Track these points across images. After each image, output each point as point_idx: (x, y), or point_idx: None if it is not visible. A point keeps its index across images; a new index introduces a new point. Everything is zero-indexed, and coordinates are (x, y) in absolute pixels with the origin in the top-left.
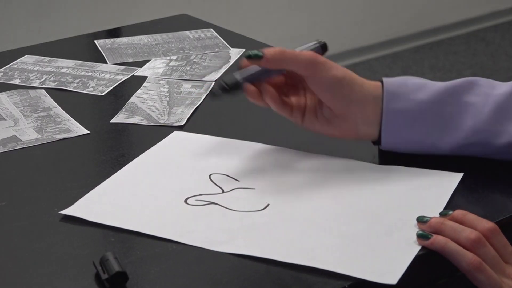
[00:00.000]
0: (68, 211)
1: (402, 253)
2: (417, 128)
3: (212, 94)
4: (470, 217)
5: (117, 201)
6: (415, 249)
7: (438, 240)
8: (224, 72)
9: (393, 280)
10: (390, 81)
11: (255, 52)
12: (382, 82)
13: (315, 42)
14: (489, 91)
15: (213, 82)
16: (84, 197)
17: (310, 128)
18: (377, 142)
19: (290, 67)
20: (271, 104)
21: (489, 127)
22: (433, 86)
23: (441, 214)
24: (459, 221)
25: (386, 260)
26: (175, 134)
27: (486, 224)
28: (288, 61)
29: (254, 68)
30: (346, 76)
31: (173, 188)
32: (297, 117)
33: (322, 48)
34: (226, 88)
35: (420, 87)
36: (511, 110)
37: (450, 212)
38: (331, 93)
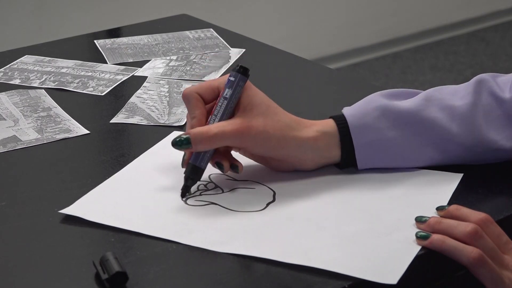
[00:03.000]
0: (67, 211)
1: (402, 253)
2: (391, 156)
3: (183, 191)
4: (464, 211)
5: (117, 201)
6: (415, 249)
7: (436, 239)
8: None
9: (394, 280)
10: (351, 113)
11: (181, 139)
12: (335, 117)
13: (234, 73)
14: (448, 103)
15: None
16: (84, 196)
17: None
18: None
19: (219, 146)
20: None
21: (460, 140)
22: (393, 111)
23: (437, 209)
24: (454, 216)
25: (386, 260)
26: (174, 134)
27: (478, 215)
28: (217, 144)
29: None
30: (279, 144)
31: (172, 188)
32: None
33: (244, 75)
34: (194, 180)
35: (381, 113)
36: (476, 121)
37: (446, 207)
38: (265, 158)
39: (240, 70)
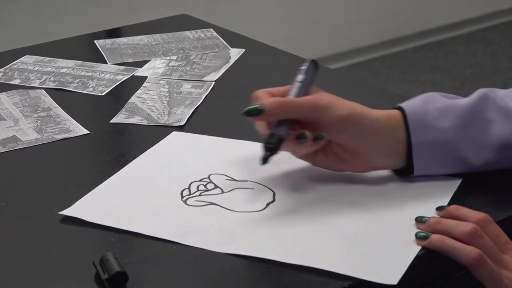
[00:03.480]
0: (67, 212)
1: (402, 253)
2: (447, 156)
3: (263, 159)
4: (463, 211)
5: (116, 202)
6: (415, 249)
7: (435, 239)
8: (266, 138)
9: (394, 281)
10: (412, 111)
11: (253, 107)
12: (400, 109)
13: (306, 63)
14: (504, 103)
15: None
16: (83, 197)
17: (322, 166)
18: (400, 172)
19: (292, 116)
20: (301, 151)
21: None
22: (454, 110)
23: (437, 209)
24: (454, 216)
25: (386, 261)
26: (174, 134)
27: (477, 215)
28: (289, 112)
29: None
30: (352, 113)
31: (172, 189)
32: (309, 158)
33: (315, 67)
34: (273, 148)
35: (442, 113)
36: None
37: (446, 207)
38: (339, 133)
39: (312, 62)
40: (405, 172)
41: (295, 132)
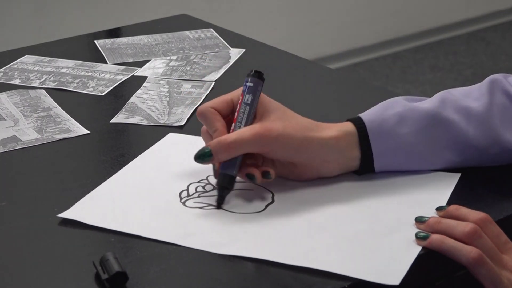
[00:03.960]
0: (66, 214)
1: (404, 253)
2: (408, 159)
3: (218, 202)
4: (463, 210)
5: (115, 204)
6: (416, 249)
7: (435, 239)
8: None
9: (396, 281)
10: (370, 120)
11: (202, 152)
12: (353, 121)
13: (252, 78)
14: (464, 104)
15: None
16: (81, 200)
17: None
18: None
19: (242, 153)
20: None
21: (476, 143)
22: (413, 114)
23: (437, 209)
24: (454, 216)
25: (387, 261)
26: (171, 136)
27: (477, 215)
28: (239, 151)
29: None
30: (302, 143)
31: (170, 191)
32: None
33: (260, 79)
34: (227, 188)
35: (401, 119)
36: (493, 122)
37: (446, 207)
38: (290, 159)
39: (256, 75)
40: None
41: (244, 171)
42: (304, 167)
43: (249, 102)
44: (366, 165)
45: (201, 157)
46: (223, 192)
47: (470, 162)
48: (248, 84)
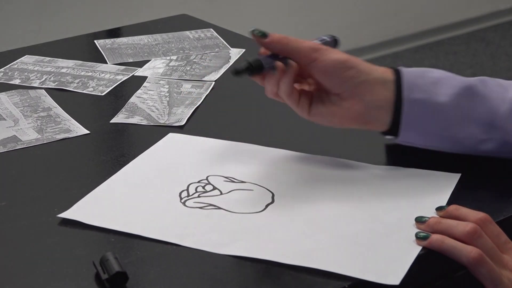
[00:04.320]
0: (66, 214)
1: (403, 253)
2: (436, 120)
3: (234, 70)
4: (463, 210)
5: (115, 204)
6: (416, 249)
7: (435, 239)
8: (240, 60)
9: (396, 281)
10: (408, 71)
11: (262, 30)
12: (394, 69)
13: (327, 36)
14: (502, 89)
15: (238, 63)
16: (81, 200)
17: (317, 117)
18: (388, 132)
19: (292, 53)
20: (285, 87)
21: (506, 125)
22: (450, 81)
23: (437, 209)
24: (454, 216)
25: (387, 261)
26: (171, 136)
27: (477, 215)
28: (291, 47)
29: (269, 57)
30: (350, 58)
31: (170, 191)
32: (304, 107)
33: (335, 43)
34: (250, 67)
35: (437, 80)
36: None
37: (446, 207)
38: (337, 77)
39: (332, 37)
40: (390, 133)
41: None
42: (351, 99)
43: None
44: (396, 119)
45: (258, 31)
46: (246, 68)
47: (492, 145)
48: (322, 37)
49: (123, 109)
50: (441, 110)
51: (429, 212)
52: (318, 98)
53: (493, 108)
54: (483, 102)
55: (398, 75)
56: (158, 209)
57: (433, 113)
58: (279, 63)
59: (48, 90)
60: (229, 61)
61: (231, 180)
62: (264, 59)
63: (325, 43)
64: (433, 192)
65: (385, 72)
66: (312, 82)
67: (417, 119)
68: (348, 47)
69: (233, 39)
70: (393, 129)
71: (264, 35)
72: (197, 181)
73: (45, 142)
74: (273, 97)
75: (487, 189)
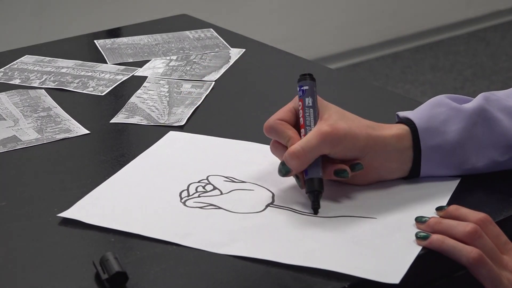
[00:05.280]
0: (66, 214)
1: (404, 253)
2: (453, 158)
3: (315, 209)
4: (463, 211)
5: (115, 204)
6: (416, 249)
7: (435, 239)
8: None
9: (396, 280)
10: (419, 117)
11: (284, 171)
12: (407, 120)
13: (306, 81)
14: (508, 104)
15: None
16: (82, 199)
17: (331, 179)
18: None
19: (313, 158)
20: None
21: None
22: (460, 113)
23: (437, 209)
24: (454, 216)
25: (387, 260)
26: (171, 134)
27: (477, 215)
28: (311, 158)
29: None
30: (367, 143)
31: (171, 191)
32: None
33: (313, 81)
34: (319, 192)
35: (448, 117)
36: None
37: (446, 208)
38: (355, 159)
39: (308, 77)
40: (409, 177)
41: (332, 168)
42: (366, 168)
43: (311, 104)
44: (416, 166)
45: (281, 170)
46: (316, 196)
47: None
48: (304, 88)
49: (123, 109)
50: (458, 148)
51: (429, 212)
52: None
53: (505, 128)
54: (494, 126)
55: (412, 129)
56: (158, 209)
57: (450, 154)
58: (347, 169)
59: (48, 90)
60: (229, 61)
61: (231, 180)
62: (315, 174)
63: (311, 92)
64: (433, 192)
65: (399, 141)
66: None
67: (436, 164)
68: (348, 47)
69: (233, 39)
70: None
71: (287, 169)
72: (197, 181)
73: (45, 142)
74: None
75: (487, 190)
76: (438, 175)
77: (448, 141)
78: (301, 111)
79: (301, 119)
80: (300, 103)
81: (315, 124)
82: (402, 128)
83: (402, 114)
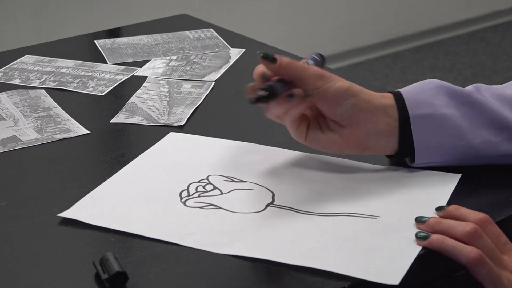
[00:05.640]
0: (66, 214)
1: (403, 253)
2: (448, 131)
3: (254, 99)
4: (463, 211)
5: (116, 204)
6: (416, 249)
7: (435, 239)
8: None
9: (396, 281)
10: (407, 90)
11: (271, 55)
12: (393, 93)
13: (316, 55)
14: (499, 91)
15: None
16: (82, 199)
17: (314, 143)
18: (396, 156)
19: (298, 78)
20: (294, 113)
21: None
22: (449, 90)
23: (437, 209)
24: (454, 216)
25: (387, 261)
26: (172, 135)
27: (477, 215)
28: (298, 73)
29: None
30: (351, 86)
31: (171, 190)
32: (302, 132)
33: (322, 61)
34: (268, 96)
35: (437, 92)
36: None
37: (445, 208)
38: (338, 105)
39: (318, 54)
40: (401, 157)
41: (287, 92)
42: (350, 127)
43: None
44: (406, 136)
45: (267, 56)
46: (261, 98)
47: (508, 144)
48: (311, 56)
49: (123, 109)
50: (450, 120)
51: (429, 212)
52: (315, 124)
53: (496, 110)
54: (485, 107)
55: (398, 98)
56: (159, 209)
57: (442, 124)
58: (298, 91)
59: (48, 90)
60: (229, 61)
61: (231, 179)
62: (275, 85)
63: (316, 62)
64: (433, 192)
65: (385, 98)
66: (310, 107)
67: (429, 134)
68: (348, 47)
69: (233, 39)
70: (404, 151)
71: (273, 59)
72: (197, 180)
73: (45, 142)
74: (274, 119)
75: (487, 189)
76: (434, 159)
77: (438, 112)
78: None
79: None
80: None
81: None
82: (389, 97)
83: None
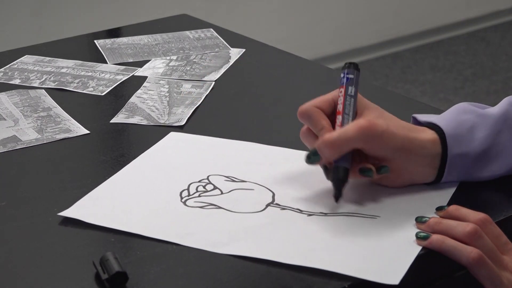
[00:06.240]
0: (66, 213)
1: (403, 253)
2: (477, 165)
3: (336, 196)
4: (463, 211)
5: (116, 203)
6: (416, 249)
7: (435, 239)
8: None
9: (396, 280)
10: (447, 124)
11: (312, 156)
12: (435, 126)
13: (352, 69)
14: None
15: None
16: (82, 199)
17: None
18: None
19: (346, 149)
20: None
21: None
22: (487, 120)
23: (437, 209)
24: (454, 217)
25: (387, 261)
26: (172, 134)
27: (477, 215)
28: (342, 145)
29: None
30: (404, 144)
31: (171, 190)
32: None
33: (358, 71)
34: (342, 181)
35: (475, 124)
36: None
37: (446, 208)
38: (390, 161)
39: (353, 66)
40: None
41: (358, 165)
42: (400, 170)
43: (353, 94)
44: (439, 173)
45: (309, 158)
46: (339, 185)
47: None
48: (349, 76)
49: (123, 109)
50: (482, 155)
51: (429, 212)
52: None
53: None
54: None
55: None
56: (159, 209)
57: (475, 161)
58: (370, 167)
59: (48, 90)
60: (229, 61)
61: (231, 179)
62: (343, 164)
63: (355, 83)
64: (433, 192)
65: (433, 145)
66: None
67: (459, 170)
68: (348, 47)
69: (233, 39)
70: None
71: (317, 159)
72: (197, 180)
73: (45, 142)
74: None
75: (487, 189)
76: (456, 181)
77: (474, 150)
78: (341, 97)
79: (340, 106)
80: (342, 90)
81: (353, 113)
82: (434, 134)
83: (423, 118)
